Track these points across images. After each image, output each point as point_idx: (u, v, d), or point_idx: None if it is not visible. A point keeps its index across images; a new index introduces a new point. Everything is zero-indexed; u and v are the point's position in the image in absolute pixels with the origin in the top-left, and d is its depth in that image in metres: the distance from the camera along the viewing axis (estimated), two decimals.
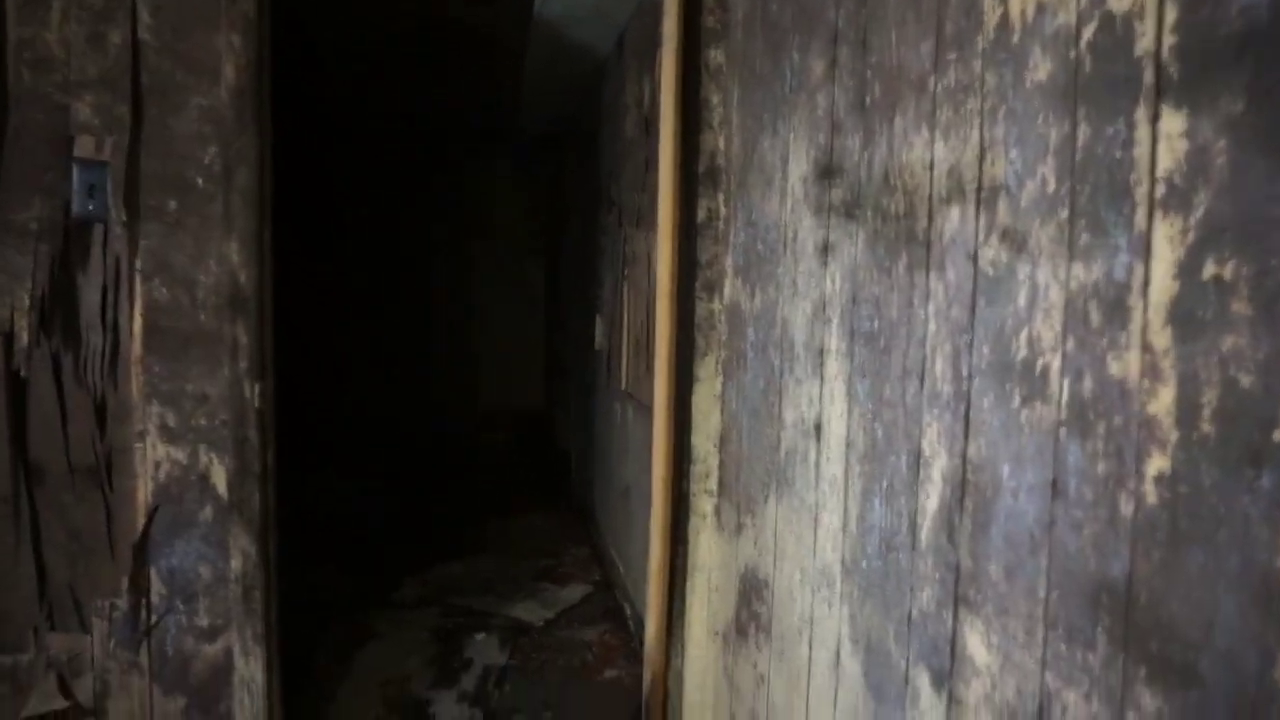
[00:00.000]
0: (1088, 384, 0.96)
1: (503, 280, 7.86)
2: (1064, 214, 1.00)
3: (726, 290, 2.37)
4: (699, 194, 2.38)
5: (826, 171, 1.71)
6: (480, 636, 3.56)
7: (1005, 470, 1.12)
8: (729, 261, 2.35)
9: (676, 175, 2.29)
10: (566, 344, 6.53)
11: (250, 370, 2.20)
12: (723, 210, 2.38)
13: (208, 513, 2.23)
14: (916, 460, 1.36)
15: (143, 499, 2.21)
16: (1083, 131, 0.96)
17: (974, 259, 1.19)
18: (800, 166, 1.85)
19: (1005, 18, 1.11)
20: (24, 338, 2.09)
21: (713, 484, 2.48)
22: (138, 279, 2.16)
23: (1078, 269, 0.98)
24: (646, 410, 3.32)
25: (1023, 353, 1.08)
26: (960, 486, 1.23)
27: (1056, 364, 1.01)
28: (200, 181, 2.15)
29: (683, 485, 2.48)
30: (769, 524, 2.05)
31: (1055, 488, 1.02)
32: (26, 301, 2.08)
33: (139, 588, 2.21)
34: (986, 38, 1.16)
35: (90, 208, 2.08)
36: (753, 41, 2.18)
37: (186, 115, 2.14)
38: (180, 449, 2.20)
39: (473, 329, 7.82)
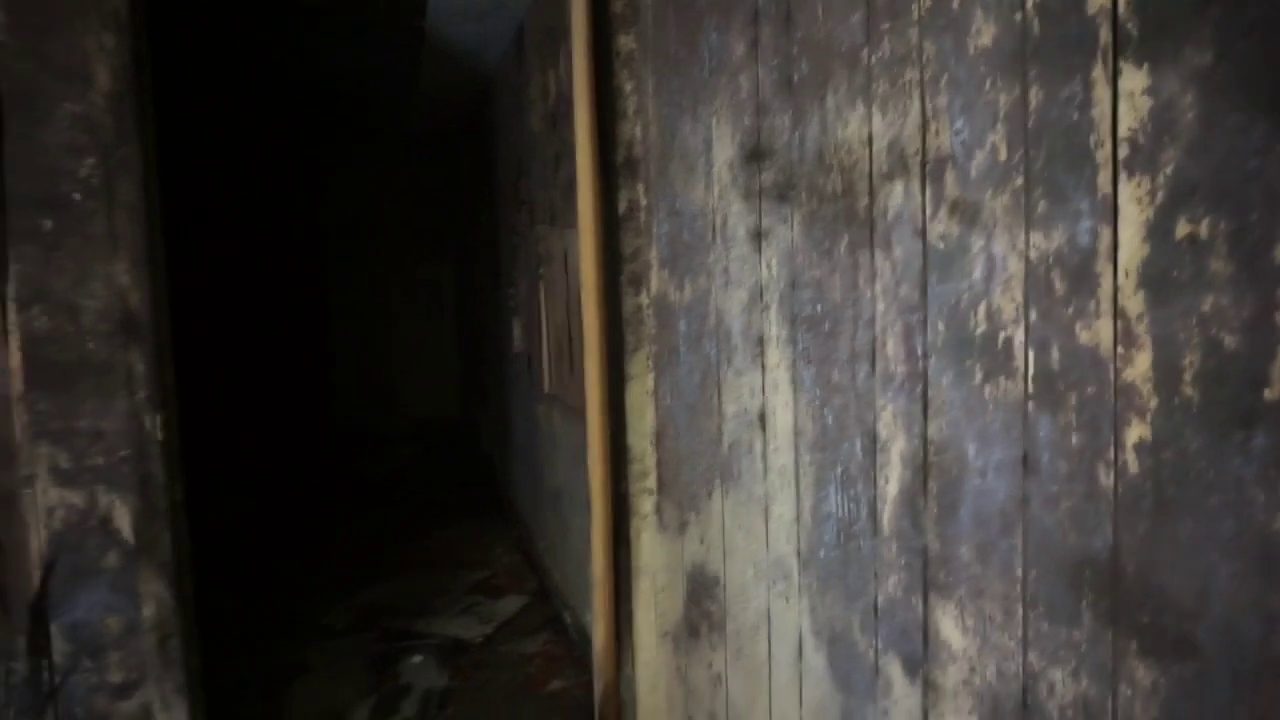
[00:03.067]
0: (1055, 355, 0.94)
1: (408, 284, 7.64)
2: (1019, 182, 0.97)
3: (653, 283, 2.31)
4: (618, 185, 2.31)
5: (755, 154, 1.67)
6: (417, 659, 3.42)
7: (971, 449, 1.09)
8: (654, 253, 2.29)
9: (594, 167, 2.22)
10: (482, 347, 6.38)
11: (149, 400, 2.03)
12: (644, 201, 2.32)
13: (112, 559, 2.04)
14: (873, 444, 1.32)
15: (36, 550, 2.01)
16: (1035, 96, 0.94)
17: (922, 234, 1.16)
18: (726, 151, 1.80)
19: None
20: None
21: (651, 483, 2.42)
22: (12, 308, 1.96)
23: (1037, 238, 0.95)
24: (573, 412, 3.24)
25: (982, 327, 1.05)
26: (923, 469, 1.20)
27: (1020, 336, 0.99)
28: (78, 197, 1.97)
29: (621, 486, 2.41)
30: (715, 520, 2.00)
31: (1026, 463, 1.00)
32: None
33: (39, 647, 2.01)
34: (923, 6, 1.12)
35: None
36: (665, 26, 2.12)
37: (56, 124, 1.95)
38: (76, 492, 2.01)
39: (381, 337, 7.58)
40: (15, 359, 1.97)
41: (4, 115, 1.91)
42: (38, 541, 2.02)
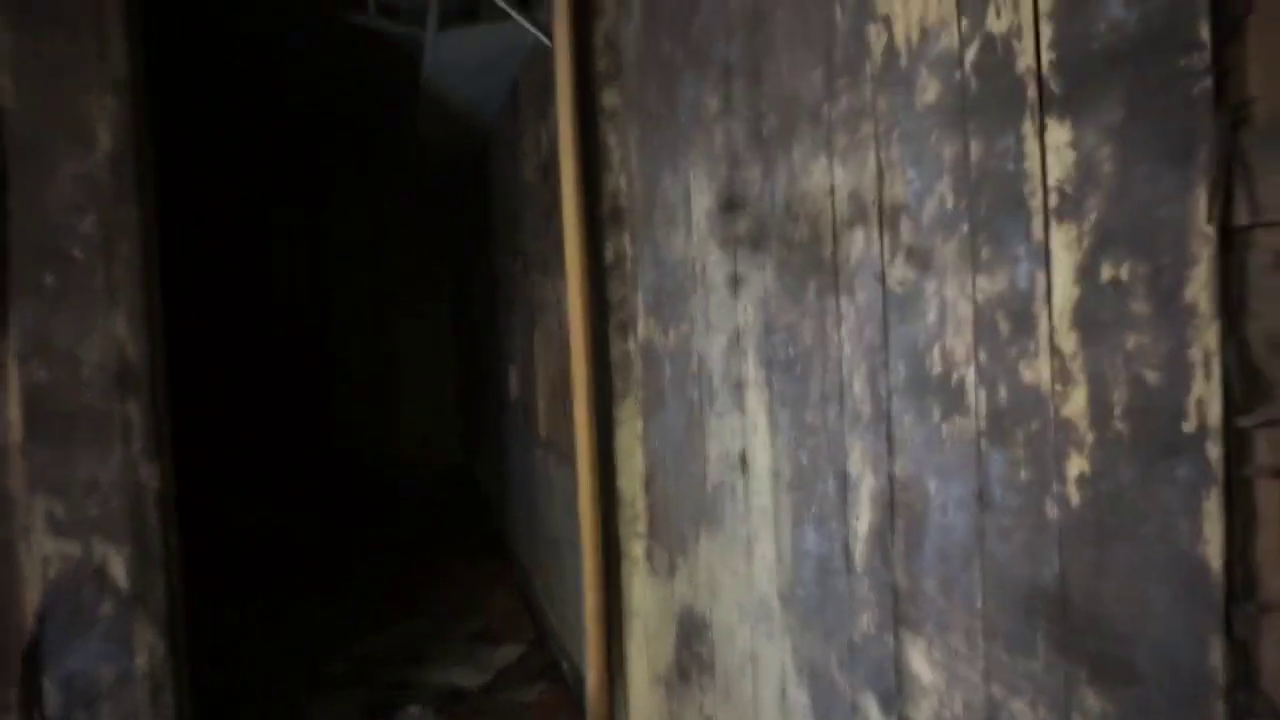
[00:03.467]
0: (1003, 393, 0.98)
1: (411, 328, 7.74)
2: (965, 228, 1.02)
3: (640, 330, 2.36)
4: (605, 236, 2.38)
5: (729, 204, 1.73)
6: (415, 709, 3.40)
7: (932, 485, 1.13)
8: (640, 301, 2.35)
9: (581, 218, 2.29)
10: (481, 391, 6.42)
11: (145, 450, 2.07)
12: (629, 250, 2.38)
13: (107, 608, 2.07)
14: (844, 483, 1.36)
15: (30, 600, 2.03)
16: (975, 148, 0.99)
17: (882, 279, 1.21)
18: (703, 201, 1.86)
19: (891, 44, 1.14)
20: None
21: (642, 526, 2.44)
22: (13, 361, 2.02)
23: (983, 281, 1.00)
24: (568, 459, 3.27)
25: (937, 368, 1.09)
26: (889, 506, 1.23)
27: (971, 375, 1.03)
28: (79, 253, 2.03)
29: (612, 530, 2.44)
30: (702, 562, 2.02)
31: (982, 498, 1.03)
32: None
33: (30, 700, 2.02)
34: (874, 64, 1.19)
35: None
36: (646, 81, 2.21)
37: (59, 183, 2.03)
38: (71, 542, 2.05)
39: (383, 378, 7.64)
40: (15, 410, 2.02)
41: (8, 175, 1.98)
42: (32, 592, 2.05)
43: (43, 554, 2.03)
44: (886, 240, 1.19)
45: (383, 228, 7.63)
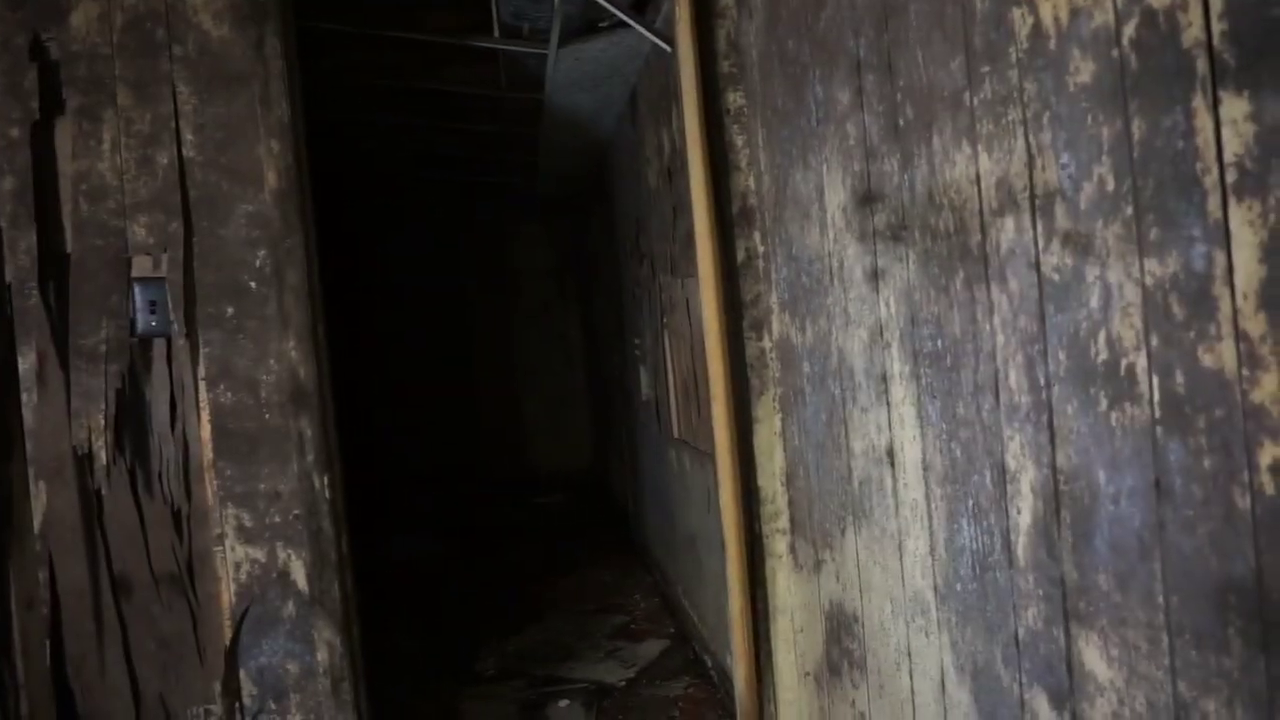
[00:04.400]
0: (1180, 379, 0.94)
1: (541, 337, 7.97)
2: (1129, 211, 0.99)
3: (775, 327, 2.37)
4: (735, 235, 2.39)
5: (866, 198, 1.72)
6: (564, 704, 3.52)
7: (1101, 476, 1.09)
8: (774, 298, 2.35)
9: (711, 219, 2.32)
10: (611, 395, 6.54)
11: (318, 462, 2.24)
12: (760, 248, 2.39)
13: (290, 608, 2.25)
14: (1002, 476, 1.33)
15: (227, 601, 2.23)
16: (1137, 127, 0.96)
17: (1036, 267, 1.18)
18: (838, 196, 1.85)
19: (1037, 26, 1.12)
20: (102, 456, 2.15)
21: (784, 523, 2.45)
22: (202, 386, 2.22)
23: (1152, 264, 0.96)
24: (703, 456, 3.30)
25: (1103, 355, 1.06)
26: (1054, 498, 1.20)
27: (1142, 362, 1.00)
28: (253, 285, 2.22)
29: (754, 527, 2.45)
30: (850, 557, 2.01)
31: (1160, 488, 0.99)
32: (101, 421, 2.14)
33: (231, 691, 2.22)
34: (1020, 47, 1.16)
35: (153, 324, 2.15)
36: (771, 81, 2.21)
37: (235, 223, 2.22)
38: (258, 548, 2.23)
39: (516, 386, 7.90)
40: (206, 431, 2.22)
41: (194, 219, 2.19)
42: (228, 594, 2.25)
43: (235, 560, 2.23)
44: (1040, 227, 1.16)
45: (509, 241, 7.89)
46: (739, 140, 2.41)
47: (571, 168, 5.99)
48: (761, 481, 2.43)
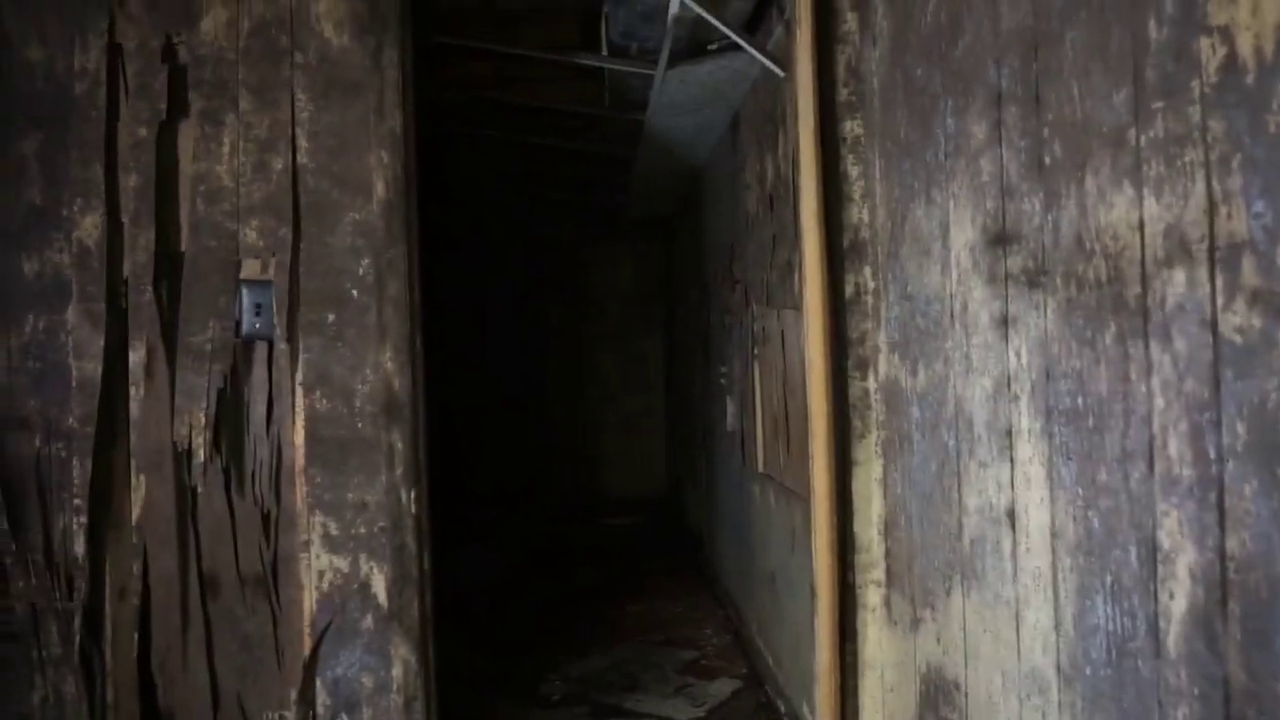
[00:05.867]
0: None
1: (620, 359, 7.93)
2: None
3: (881, 367, 2.26)
4: (844, 269, 2.30)
5: (999, 238, 1.60)
6: None
7: None
8: (882, 337, 2.24)
9: (821, 251, 2.22)
10: (690, 422, 6.45)
11: (406, 476, 2.22)
12: (871, 284, 2.29)
13: (369, 621, 2.22)
14: (1152, 554, 1.20)
15: (308, 608, 2.23)
16: None
17: (1212, 326, 1.06)
18: (965, 234, 1.74)
19: (1231, 58, 1.00)
20: (200, 454, 2.18)
21: (880, 574, 2.32)
22: (299, 391, 2.23)
23: None
24: (789, 493, 3.18)
25: None
26: (1220, 586, 1.07)
27: None
28: (355, 293, 2.22)
29: (847, 576, 2.33)
30: (955, 619, 1.88)
31: None
32: (202, 419, 2.17)
33: (307, 700, 2.21)
34: (1206, 81, 1.05)
35: (257, 326, 2.18)
36: (893, 111, 2.11)
37: (341, 231, 2.23)
38: (342, 558, 2.22)
39: (594, 409, 7.87)
40: (300, 436, 2.23)
41: (303, 225, 2.21)
42: (309, 601, 2.24)
43: (319, 568, 2.22)
44: (1220, 281, 1.04)
45: (592, 261, 7.91)
46: (854, 171, 2.31)
47: (663, 189, 5.95)
48: (857, 528, 2.31)
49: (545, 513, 7.60)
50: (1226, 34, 1.01)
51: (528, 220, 7.48)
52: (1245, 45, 0.98)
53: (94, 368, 2.19)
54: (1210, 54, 1.04)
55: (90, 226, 2.20)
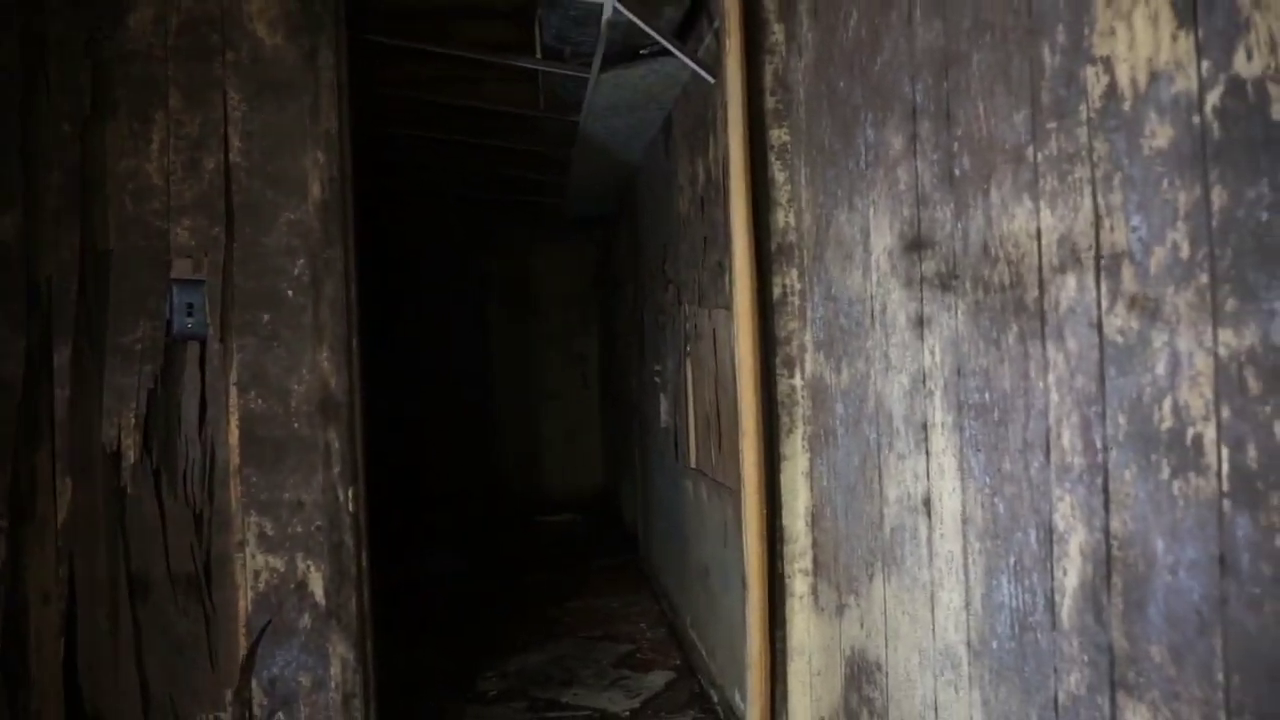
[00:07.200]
0: (1252, 454, 0.92)
1: (561, 359, 7.96)
2: (1203, 279, 0.98)
3: (808, 365, 2.36)
4: (772, 271, 2.39)
5: (915, 244, 1.71)
6: None
7: (1159, 545, 1.07)
8: (808, 336, 2.34)
9: (750, 254, 2.31)
10: (626, 420, 6.52)
11: (343, 475, 2.23)
12: (797, 286, 2.39)
13: (306, 620, 2.23)
14: (1049, 535, 1.31)
15: (243, 608, 2.22)
16: (1218, 196, 0.95)
17: (1098, 327, 1.16)
18: (884, 239, 1.85)
19: (1112, 87, 1.11)
20: (130, 455, 2.15)
21: (807, 563, 2.42)
22: (234, 391, 2.22)
23: (1226, 335, 0.95)
24: (720, 488, 3.28)
25: (1168, 422, 1.04)
26: (1105, 562, 1.18)
27: (1211, 434, 0.98)
28: (291, 294, 2.22)
29: (777, 566, 2.43)
30: (876, 604, 1.98)
31: (1224, 563, 0.97)
32: (132, 420, 2.15)
33: (243, 700, 2.20)
34: (1091, 106, 1.15)
35: (189, 326, 2.16)
36: (818, 120, 2.21)
37: (276, 231, 2.23)
38: (278, 557, 2.22)
39: (533, 406, 7.88)
40: (234, 436, 2.22)
41: (236, 225, 2.20)
42: (245, 601, 2.23)
43: (254, 568, 2.22)
44: (1104, 287, 1.15)
45: (532, 261, 7.91)
46: (781, 177, 2.40)
47: (599, 189, 6.01)
48: (785, 520, 2.41)
49: (489, 512, 7.58)
50: (1108, 64, 1.12)
51: (470, 222, 7.45)
52: (1123, 75, 1.09)
53: (13, 369, 2.14)
54: (1095, 81, 1.14)
55: (8, 225, 2.15)
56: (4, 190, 2.11)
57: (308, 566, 2.23)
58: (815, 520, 2.37)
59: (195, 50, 2.23)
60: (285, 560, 2.23)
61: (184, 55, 2.22)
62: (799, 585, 2.43)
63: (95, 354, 2.18)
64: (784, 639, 2.42)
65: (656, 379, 4.87)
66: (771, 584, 2.40)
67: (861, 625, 2.07)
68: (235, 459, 2.22)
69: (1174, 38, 1.00)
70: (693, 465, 3.91)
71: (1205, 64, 0.96)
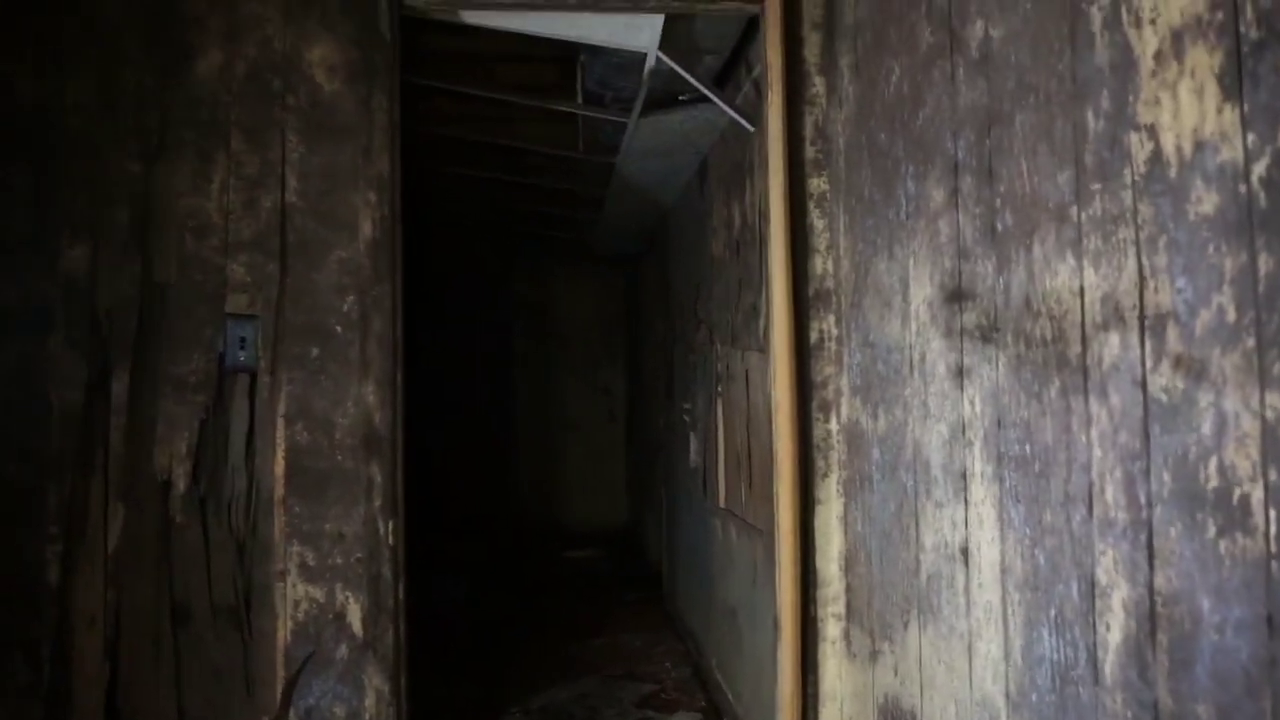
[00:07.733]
0: None
1: (585, 391, 8.00)
2: (1250, 343, 1.00)
3: (844, 411, 2.38)
4: (810, 316, 2.42)
5: (956, 295, 1.74)
6: None
7: (1205, 604, 1.08)
8: (844, 382, 2.37)
9: (789, 299, 2.35)
10: (652, 457, 6.54)
11: (384, 508, 2.27)
12: (834, 331, 2.42)
13: (343, 651, 2.26)
14: (1091, 589, 1.32)
15: (282, 638, 2.26)
16: (1265, 262, 0.97)
17: (1143, 385, 1.19)
18: (924, 290, 1.88)
19: (1157, 153, 1.14)
20: (180, 484, 2.21)
21: (840, 608, 2.42)
22: (281, 423, 2.28)
23: (1274, 398, 0.97)
24: (751, 529, 3.28)
25: (1214, 482, 1.06)
26: (1150, 618, 1.18)
27: (1258, 494, 0.99)
28: (339, 329, 2.29)
29: (809, 610, 2.43)
30: (911, 651, 1.98)
31: (1271, 624, 0.98)
32: (183, 449, 2.21)
33: None
34: (1136, 171, 1.19)
35: (241, 359, 2.23)
36: (858, 170, 2.26)
37: (327, 268, 2.30)
38: (318, 588, 2.26)
39: (557, 440, 7.91)
40: (280, 467, 2.27)
41: (290, 262, 2.27)
42: (284, 631, 2.27)
43: (295, 598, 2.26)
44: (1149, 346, 1.17)
45: (559, 295, 8.00)
46: (819, 224, 2.45)
47: (632, 228, 6.10)
48: (819, 564, 2.42)
49: (510, 544, 7.59)
50: (1153, 131, 1.15)
51: (499, 254, 7.56)
52: (1168, 143, 1.12)
53: (75, 396, 2.22)
54: (1139, 147, 1.18)
55: (77, 257, 2.24)
56: (77, 225, 2.21)
57: (346, 598, 2.27)
58: (849, 565, 2.38)
59: (257, 94, 2.32)
60: (325, 591, 2.26)
61: (247, 99, 2.32)
62: (831, 629, 2.43)
63: (150, 384, 2.25)
64: (815, 683, 2.42)
65: (686, 417, 4.89)
66: (804, 627, 2.40)
67: (895, 672, 2.07)
68: (280, 489, 2.27)
69: (1219, 110, 1.03)
70: (722, 505, 3.92)
71: (1251, 136, 0.99)
